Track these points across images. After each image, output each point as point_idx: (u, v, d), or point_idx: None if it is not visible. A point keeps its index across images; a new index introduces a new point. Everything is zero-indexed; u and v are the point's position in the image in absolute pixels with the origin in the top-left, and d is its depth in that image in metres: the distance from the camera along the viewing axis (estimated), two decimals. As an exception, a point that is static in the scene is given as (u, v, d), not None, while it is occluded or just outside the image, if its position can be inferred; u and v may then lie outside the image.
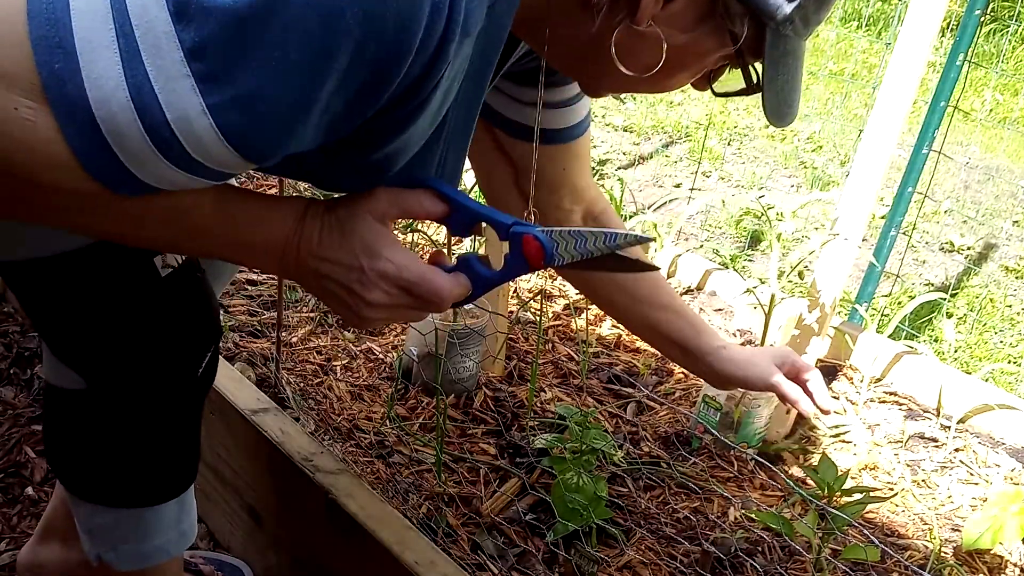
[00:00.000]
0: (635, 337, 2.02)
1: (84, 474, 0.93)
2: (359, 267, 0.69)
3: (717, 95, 0.80)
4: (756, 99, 0.76)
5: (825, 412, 1.06)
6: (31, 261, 0.79)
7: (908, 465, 1.70)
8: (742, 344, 2.06)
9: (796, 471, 1.65)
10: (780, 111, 0.76)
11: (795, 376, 1.06)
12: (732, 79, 0.78)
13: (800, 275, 2.50)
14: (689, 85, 0.80)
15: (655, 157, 3.92)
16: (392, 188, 0.72)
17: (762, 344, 1.65)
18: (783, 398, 1.05)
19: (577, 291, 1.15)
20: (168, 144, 0.55)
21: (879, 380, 1.95)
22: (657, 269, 0.88)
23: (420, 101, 0.63)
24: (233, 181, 0.68)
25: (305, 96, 0.56)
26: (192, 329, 0.88)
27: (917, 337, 2.37)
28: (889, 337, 2.02)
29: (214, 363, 0.94)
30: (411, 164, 0.71)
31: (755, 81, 0.76)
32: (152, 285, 0.82)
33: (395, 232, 0.71)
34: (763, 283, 1.69)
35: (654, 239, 0.82)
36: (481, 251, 0.76)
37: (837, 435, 1.75)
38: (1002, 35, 5.71)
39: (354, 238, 0.69)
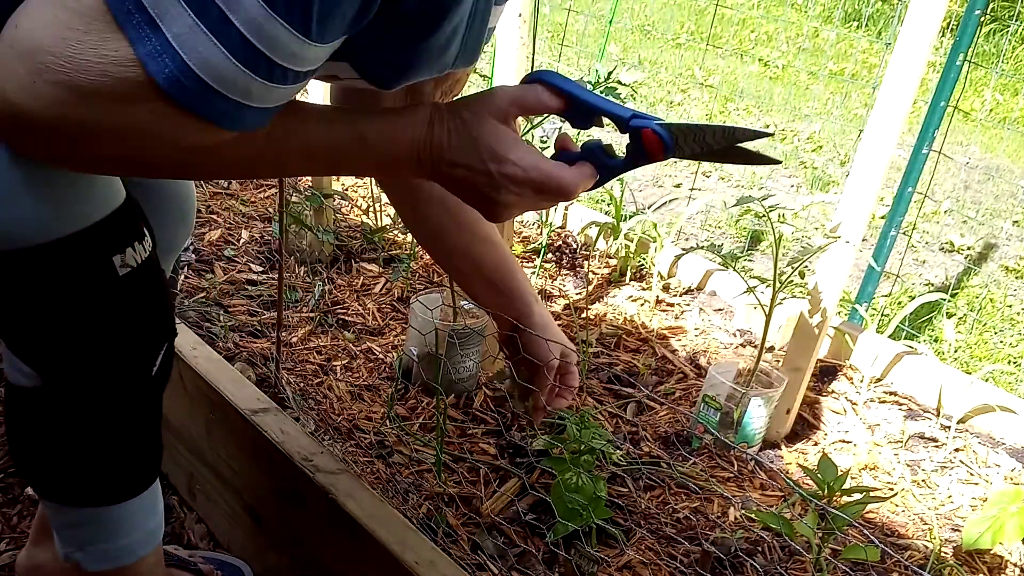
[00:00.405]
0: (635, 337, 2.03)
1: (43, 472, 0.94)
2: (487, 171, 0.73)
3: None
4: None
5: (533, 420, 1.06)
6: None
7: (908, 465, 1.70)
8: (742, 345, 2.06)
9: (796, 471, 1.65)
10: None
11: (560, 377, 1.06)
12: None
13: (801, 275, 2.51)
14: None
15: (655, 157, 3.91)
16: (510, 86, 0.75)
17: (762, 345, 1.65)
18: (536, 384, 1.04)
19: (394, 207, 1.13)
20: (256, 61, 0.62)
21: (879, 380, 1.95)
22: (780, 163, 0.86)
23: None
24: None
25: None
26: (146, 328, 0.89)
27: (917, 337, 2.37)
28: (889, 337, 2.02)
29: (169, 361, 0.94)
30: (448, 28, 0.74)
31: None
32: (109, 284, 0.83)
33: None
34: (764, 283, 1.69)
35: (772, 134, 0.80)
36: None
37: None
38: (1002, 35, 5.71)
39: (480, 144, 0.73)
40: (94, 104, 0.61)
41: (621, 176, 2.61)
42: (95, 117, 0.62)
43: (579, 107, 0.75)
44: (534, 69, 0.99)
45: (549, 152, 0.80)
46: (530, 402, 1.06)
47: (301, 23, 0.61)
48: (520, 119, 0.86)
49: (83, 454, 0.91)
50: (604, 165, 0.77)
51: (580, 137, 2.02)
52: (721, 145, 0.72)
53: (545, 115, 0.77)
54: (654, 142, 0.73)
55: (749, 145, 0.73)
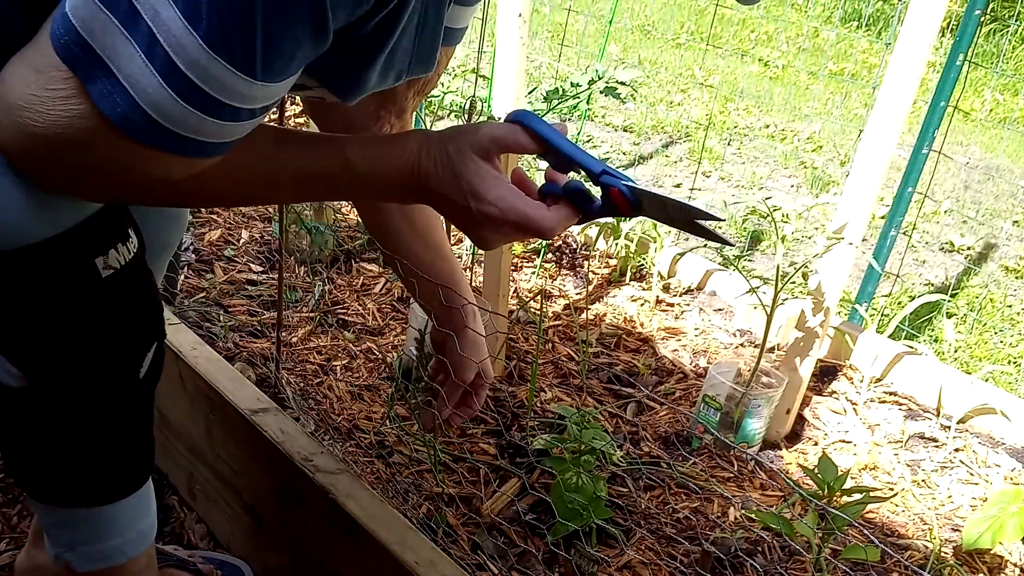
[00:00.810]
0: (635, 337, 2.03)
1: (31, 472, 0.93)
2: (467, 208, 0.76)
3: None
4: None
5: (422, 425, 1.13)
6: None
7: (908, 465, 1.70)
8: (742, 345, 2.06)
9: (796, 471, 1.66)
10: None
11: (464, 397, 1.12)
12: None
13: (804, 276, 2.51)
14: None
15: (655, 157, 3.92)
16: (494, 124, 0.78)
17: (763, 344, 1.65)
18: (445, 392, 1.10)
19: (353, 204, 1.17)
20: (203, 102, 0.64)
21: (879, 380, 1.95)
22: (733, 245, 0.89)
23: None
24: None
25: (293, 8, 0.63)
26: (132, 330, 0.88)
27: (917, 337, 2.37)
28: (889, 337, 2.02)
29: (159, 362, 0.94)
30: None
31: None
32: (92, 286, 0.82)
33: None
34: (765, 283, 1.69)
35: (724, 219, 0.86)
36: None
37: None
38: (1002, 35, 5.71)
39: (461, 181, 0.76)
40: (66, 150, 0.67)
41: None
42: (71, 159, 0.68)
43: (553, 154, 0.77)
44: (528, 79, 1.01)
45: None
46: (428, 408, 1.12)
47: (245, 64, 0.63)
48: None
49: (71, 454, 0.91)
50: (584, 208, 0.79)
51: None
52: (680, 217, 0.76)
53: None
54: (621, 201, 0.77)
55: (708, 224, 0.76)
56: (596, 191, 0.79)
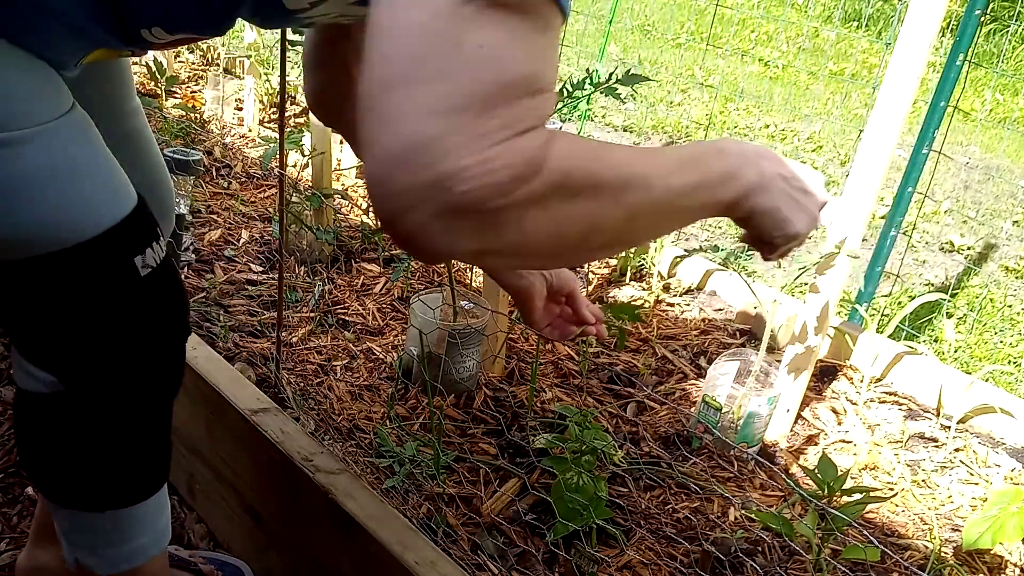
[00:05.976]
0: (635, 337, 2.02)
1: (58, 479, 0.92)
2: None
3: None
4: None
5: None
6: (2, 264, 0.78)
7: (908, 465, 1.70)
8: (742, 345, 2.06)
9: (796, 471, 1.66)
10: None
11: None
12: None
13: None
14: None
15: (655, 157, 3.91)
16: None
17: (763, 343, 1.65)
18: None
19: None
20: None
21: (879, 380, 1.95)
22: None
23: None
24: None
25: None
26: (169, 326, 0.88)
27: (917, 337, 2.37)
28: (889, 337, 2.02)
29: (183, 358, 0.94)
30: None
31: None
32: (132, 285, 0.83)
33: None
34: (763, 282, 1.69)
35: None
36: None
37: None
38: (1002, 35, 5.72)
39: None
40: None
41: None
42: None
43: None
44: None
45: None
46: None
47: None
48: None
49: (101, 458, 0.90)
50: None
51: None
52: None
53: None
54: None
55: None
56: None
